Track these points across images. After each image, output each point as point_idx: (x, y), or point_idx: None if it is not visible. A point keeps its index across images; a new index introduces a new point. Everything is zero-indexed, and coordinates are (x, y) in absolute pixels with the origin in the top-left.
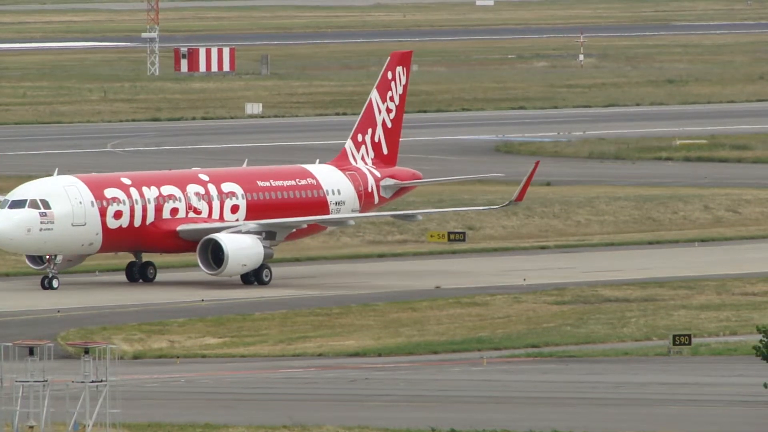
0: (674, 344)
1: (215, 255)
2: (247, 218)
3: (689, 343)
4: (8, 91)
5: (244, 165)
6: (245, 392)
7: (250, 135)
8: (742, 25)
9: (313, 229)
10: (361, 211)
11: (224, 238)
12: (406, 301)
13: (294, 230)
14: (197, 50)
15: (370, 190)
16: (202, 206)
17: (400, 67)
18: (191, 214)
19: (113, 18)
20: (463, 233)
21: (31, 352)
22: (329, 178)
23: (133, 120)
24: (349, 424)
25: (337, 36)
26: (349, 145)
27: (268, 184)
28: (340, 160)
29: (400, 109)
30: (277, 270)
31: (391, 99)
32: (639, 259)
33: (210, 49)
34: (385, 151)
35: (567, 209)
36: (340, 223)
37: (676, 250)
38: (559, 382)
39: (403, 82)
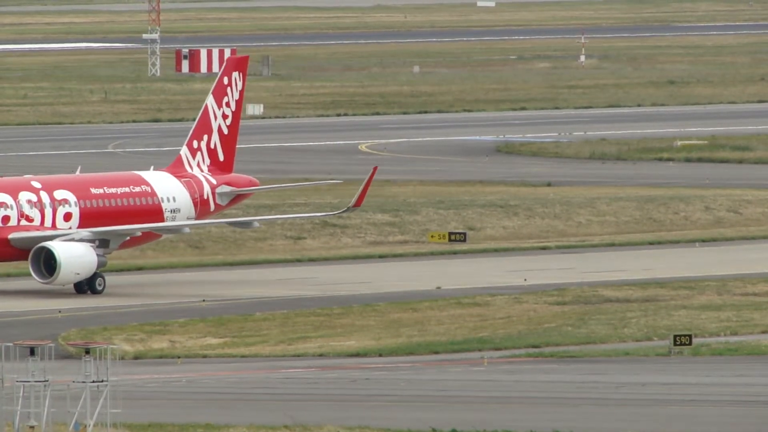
0: (675, 344)
1: (47, 263)
2: (80, 226)
3: (690, 344)
4: (9, 92)
5: (78, 172)
6: (246, 392)
7: (251, 136)
8: (744, 26)
9: (148, 237)
10: (196, 219)
11: (57, 246)
12: (407, 302)
13: (128, 238)
14: (198, 51)
15: (206, 197)
16: (35, 214)
17: (237, 72)
18: (23, 222)
19: (114, 19)
20: (464, 233)
21: (32, 352)
22: (164, 185)
23: (134, 121)
24: (350, 425)
25: (338, 37)
26: (184, 151)
27: (101, 191)
28: (176, 167)
29: (237, 115)
30: (278, 271)
31: (227, 105)
32: (640, 259)
33: (211, 50)
34: (221, 157)
35: (568, 210)
36: (175, 230)
37: (677, 250)
38: (559, 382)
39: (240, 87)
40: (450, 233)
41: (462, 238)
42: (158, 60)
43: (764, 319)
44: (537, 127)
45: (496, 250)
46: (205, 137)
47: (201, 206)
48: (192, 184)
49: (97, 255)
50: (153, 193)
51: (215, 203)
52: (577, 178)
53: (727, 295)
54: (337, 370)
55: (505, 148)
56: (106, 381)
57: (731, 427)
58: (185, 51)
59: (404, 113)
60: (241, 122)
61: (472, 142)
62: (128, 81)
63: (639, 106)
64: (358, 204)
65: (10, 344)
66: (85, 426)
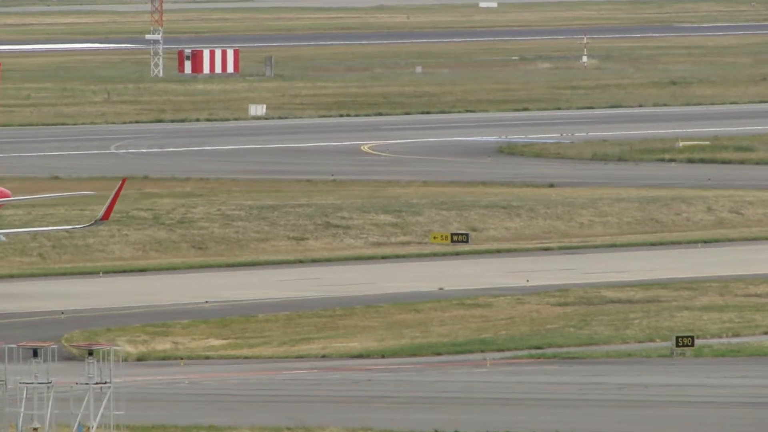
0: (677, 345)
1: None
2: None
3: (692, 345)
4: (12, 92)
5: None
6: (249, 394)
7: (253, 136)
8: (746, 26)
9: None
10: None
11: None
12: (410, 303)
13: None
14: (201, 52)
15: None
16: None
17: None
18: None
19: (117, 19)
20: (467, 234)
21: (36, 353)
22: None
23: (137, 122)
24: (353, 426)
25: (340, 38)
26: None
27: None
28: None
29: None
30: (281, 272)
31: None
32: (642, 260)
33: (214, 50)
34: None
35: (570, 210)
36: None
37: (679, 251)
38: (562, 383)
39: None
40: (452, 234)
41: (464, 239)
42: (161, 60)
43: (766, 320)
44: (539, 127)
45: (498, 251)
46: None
47: None
48: None
49: None
50: None
51: None
52: (580, 179)
53: (729, 296)
54: (340, 372)
55: (507, 148)
56: (110, 382)
57: (733, 429)
58: (188, 51)
59: (406, 114)
60: (244, 123)
61: (474, 143)
62: (131, 81)
63: (641, 106)
64: (105, 217)
65: (14, 346)
66: (89, 428)
